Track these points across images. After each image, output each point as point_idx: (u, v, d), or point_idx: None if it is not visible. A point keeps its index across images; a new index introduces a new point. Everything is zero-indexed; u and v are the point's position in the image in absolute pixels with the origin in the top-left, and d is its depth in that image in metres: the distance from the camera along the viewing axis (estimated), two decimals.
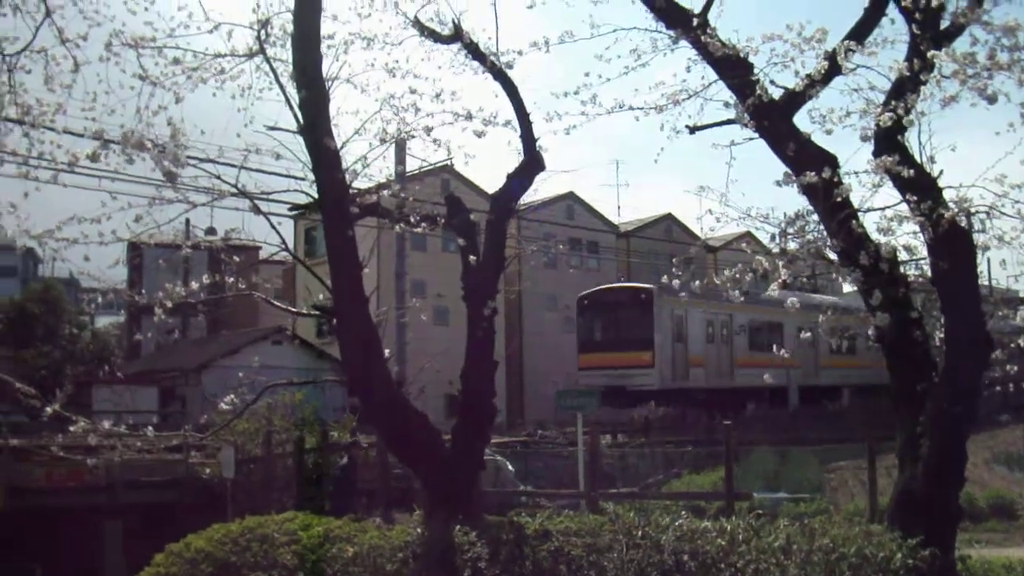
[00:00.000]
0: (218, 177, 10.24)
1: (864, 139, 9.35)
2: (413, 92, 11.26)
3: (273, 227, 11.00)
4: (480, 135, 11.23)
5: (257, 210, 10.73)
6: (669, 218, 62.63)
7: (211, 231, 22.52)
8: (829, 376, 46.31)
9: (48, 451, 13.34)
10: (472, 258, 11.77)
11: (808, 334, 10.13)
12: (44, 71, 10.75)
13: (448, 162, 14.01)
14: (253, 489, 23.39)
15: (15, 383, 12.02)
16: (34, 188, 10.60)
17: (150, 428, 12.33)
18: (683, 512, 11.53)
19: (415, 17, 11.88)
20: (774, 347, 37.10)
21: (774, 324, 42.58)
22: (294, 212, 25.74)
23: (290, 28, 11.32)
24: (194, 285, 11.36)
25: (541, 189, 13.46)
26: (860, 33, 10.30)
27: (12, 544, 23.97)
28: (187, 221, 13.43)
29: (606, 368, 39.57)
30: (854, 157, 10.05)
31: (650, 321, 39.12)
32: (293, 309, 12.65)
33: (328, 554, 12.66)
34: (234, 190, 10.40)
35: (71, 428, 12.03)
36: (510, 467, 23.14)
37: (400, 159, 17.35)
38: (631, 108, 11.06)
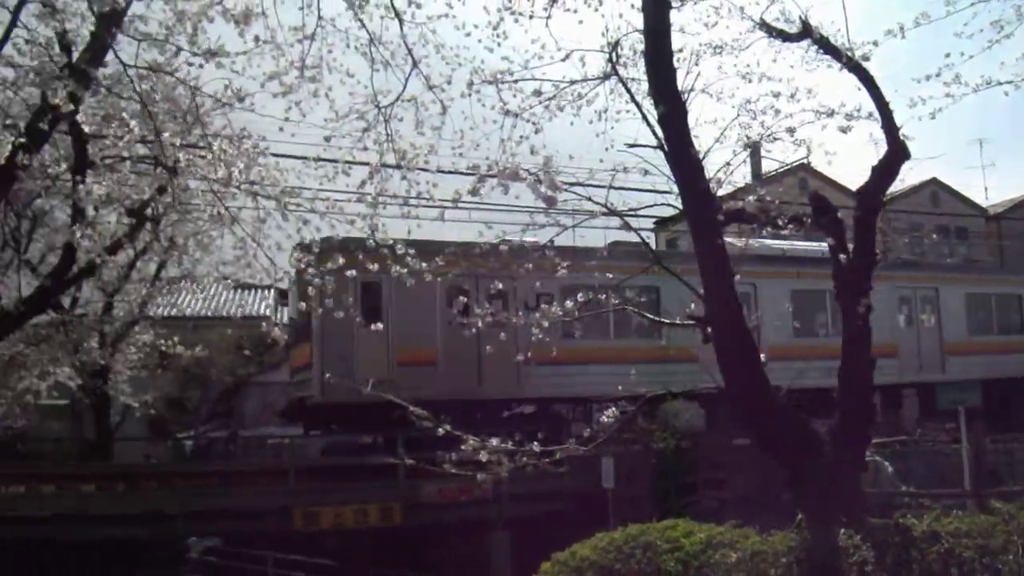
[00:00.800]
0: (588, 199, 10.58)
1: None
2: (775, 96, 11.17)
3: (644, 242, 11.22)
4: (845, 131, 11.00)
5: (628, 227, 10.98)
6: None
7: None
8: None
9: (441, 468, 14.11)
10: (842, 256, 11.50)
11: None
12: (415, 117, 11.54)
13: (805, 160, 13.80)
14: (633, 497, 23.80)
15: (408, 406, 12.83)
16: (415, 226, 11.52)
17: (535, 443, 12.81)
18: None
19: (761, 19, 11.77)
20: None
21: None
22: (656, 224, 25.95)
23: (640, 47, 11.51)
24: (567, 304, 11.72)
25: (905, 178, 12.96)
26: None
27: (408, 557, 25.64)
28: (551, 241, 13.90)
29: (298, 368, 27.61)
30: None
31: None
32: (666, 320, 12.77)
33: (711, 560, 12.66)
34: (604, 209, 10.69)
35: (463, 447, 12.76)
36: (889, 467, 22.25)
37: (755, 161, 17.21)
38: (999, 83, 10.51)
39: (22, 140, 8.58)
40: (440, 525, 24.74)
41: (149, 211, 12.21)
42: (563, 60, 11.41)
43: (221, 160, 10.42)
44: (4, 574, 22.75)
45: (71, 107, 9.13)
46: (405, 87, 11.34)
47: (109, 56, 10.43)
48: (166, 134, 9.83)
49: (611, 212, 10.74)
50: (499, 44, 11.36)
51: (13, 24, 7.63)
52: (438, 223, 11.20)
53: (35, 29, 9.13)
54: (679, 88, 11.07)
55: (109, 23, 9.83)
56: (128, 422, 34.31)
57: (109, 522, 22.81)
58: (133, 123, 10.16)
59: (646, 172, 10.70)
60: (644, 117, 11.33)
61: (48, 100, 8.73)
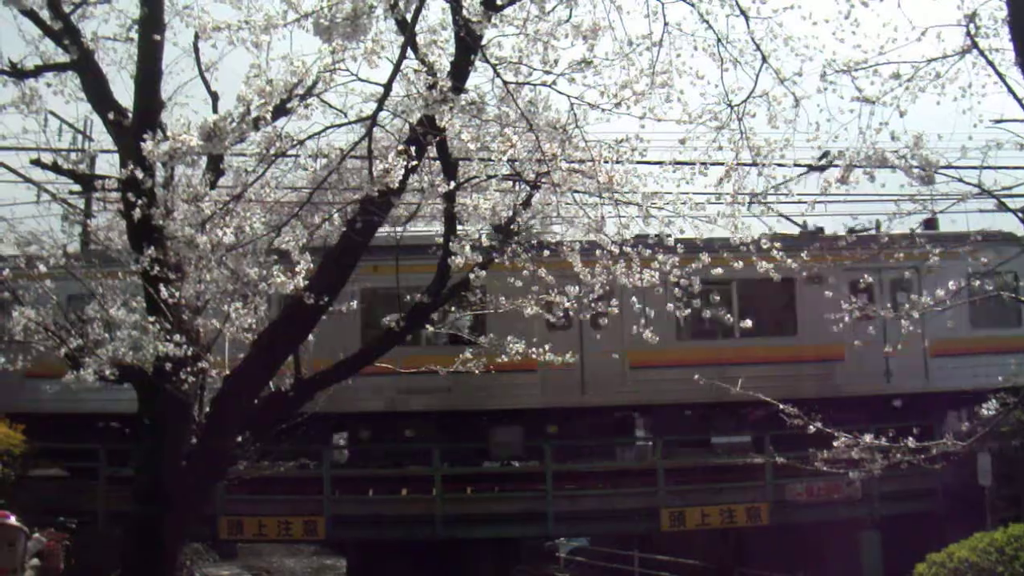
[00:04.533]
0: (959, 179, 10.12)
1: None
2: None
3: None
4: None
5: (1004, 207, 10.40)
6: None
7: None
8: None
9: (810, 466, 13.96)
10: None
11: None
12: (768, 112, 11.44)
13: None
14: (1012, 496, 22.49)
15: (776, 403, 12.78)
16: (775, 222, 11.46)
17: (910, 439, 12.42)
18: None
19: None
20: None
21: None
22: None
23: (999, 15, 10.87)
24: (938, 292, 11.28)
25: None
26: None
27: (776, 555, 25.37)
28: (912, 231, 13.34)
29: None
30: None
31: None
32: None
33: None
34: (976, 190, 10.18)
35: (835, 443, 12.56)
36: None
37: None
38: None
39: (414, 163, 9.19)
40: (808, 524, 24.31)
41: (513, 226, 12.73)
42: (918, 40, 10.97)
43: (601, 168, 10.72)
44: (392, 570, 24.50)
45: (446, 129, 9.69)
46: (756, 83, 11.28)
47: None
48: (546, 145, 10.21)
49: (984, 192, 10.20)
50: (853, 33, 11.06)
51: (403, 56, 8.26)
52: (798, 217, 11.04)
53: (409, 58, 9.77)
54: None
55: (468, 51, 10.40)
56: None
57: (486, 522, 23.96)
58: (497, 143, 10.64)
59: (1022, 147, 10.07)
60: (1010, 89, 10.69)
61: (435, 123, 9.31)
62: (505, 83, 10.18)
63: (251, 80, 8.42)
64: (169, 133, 8.01)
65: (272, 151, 8.80)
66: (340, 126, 9.76)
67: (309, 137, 9.19)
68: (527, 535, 27.58)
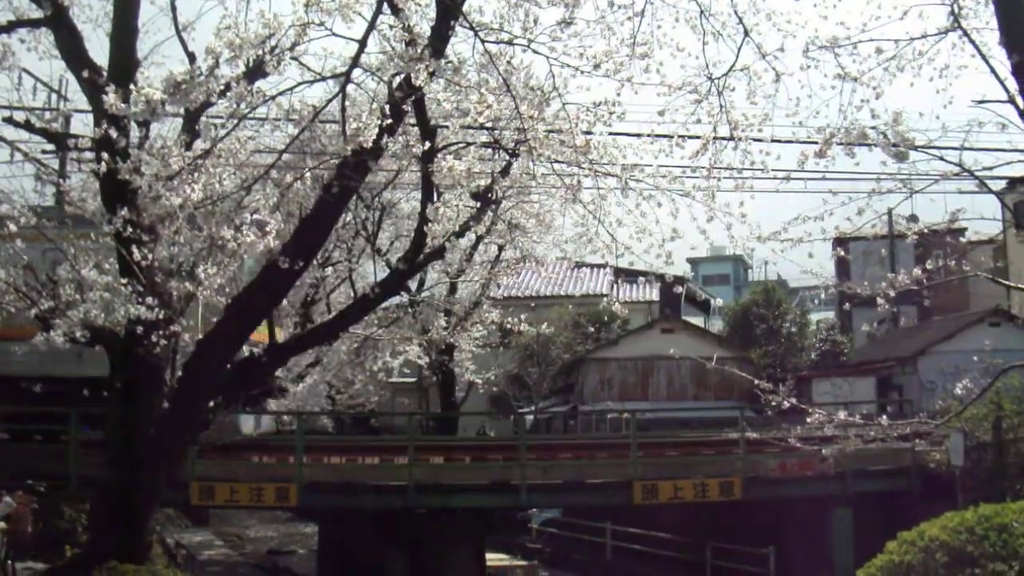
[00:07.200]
0: (940, 158, 10.05)
1: None
2: None
3: (1003, 203, 10.51)
4: None
5: (985, 187, 10.32)
6: None
7: (913, 218, 22.11)
8: None
9: (783, 442, 14.03)
10: None
11: None
12: (747, 87, 11.37)
13: None
14: (983, 476, 22.58)
15: (752, 379, 12.81)
16: (749, 197, 11.40)
17: (884, 417, 12.47)
18: None
19: None
20: None
21: None
22: (1008, 186, 23.81)
23: None
24: (910, 273, 11.19)
25: None
26: None
27: (748, 529, 25.42)
28: (889, 211, 13.29)
29: None
30: None
31: None
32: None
33: None
34: (957, 169, 10.10)
35: (808, 420, 12.60)
36: None
37: None
38: None
39: (388, 122, 9.03)
40: (780, 499, 24.38)
41: (491, 194, 12.63)
42: (901, 19, 10.88)
43: (578, 128, 10.59)
44: (364, 538, 24.47)
45: (426, 85, 9.51)
46: (737, 57, 11.20)
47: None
48: (523, 106, 10.06)
49: (965, 171, 10.11)
50: (834, 6, 10.98)
51: (379, 11, 8.11)
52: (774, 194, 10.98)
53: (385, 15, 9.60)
54: None
55: (448, 16, 10.26)
56: (472, 398, 36.11)
57: (458, 491, 23.92)
58: (476, 107, 10.51)
59: (1004, 127, 9.99)
60: (992, 70, 10.61)
61: (411, 82, 9.18)
62: (484, 41, 10.03)
63: (222, 32, 8.26)
64: (132, 87, 7.86)
65: (242, 106, 8.65)
66: (313, 82, 9.63)
67: (280, 93, 9.07)
68: (500, 505, 27.55)
